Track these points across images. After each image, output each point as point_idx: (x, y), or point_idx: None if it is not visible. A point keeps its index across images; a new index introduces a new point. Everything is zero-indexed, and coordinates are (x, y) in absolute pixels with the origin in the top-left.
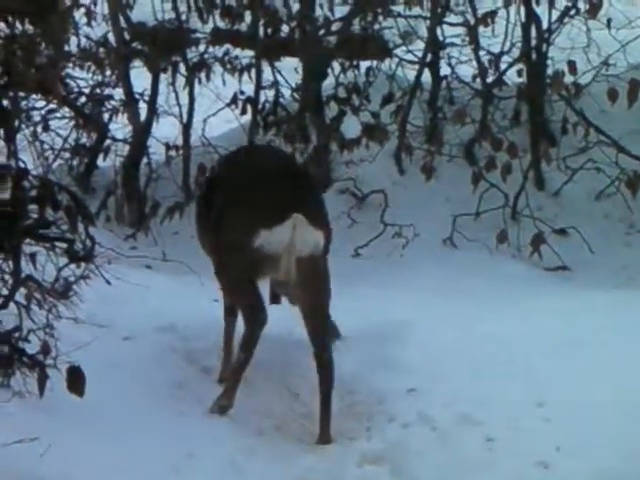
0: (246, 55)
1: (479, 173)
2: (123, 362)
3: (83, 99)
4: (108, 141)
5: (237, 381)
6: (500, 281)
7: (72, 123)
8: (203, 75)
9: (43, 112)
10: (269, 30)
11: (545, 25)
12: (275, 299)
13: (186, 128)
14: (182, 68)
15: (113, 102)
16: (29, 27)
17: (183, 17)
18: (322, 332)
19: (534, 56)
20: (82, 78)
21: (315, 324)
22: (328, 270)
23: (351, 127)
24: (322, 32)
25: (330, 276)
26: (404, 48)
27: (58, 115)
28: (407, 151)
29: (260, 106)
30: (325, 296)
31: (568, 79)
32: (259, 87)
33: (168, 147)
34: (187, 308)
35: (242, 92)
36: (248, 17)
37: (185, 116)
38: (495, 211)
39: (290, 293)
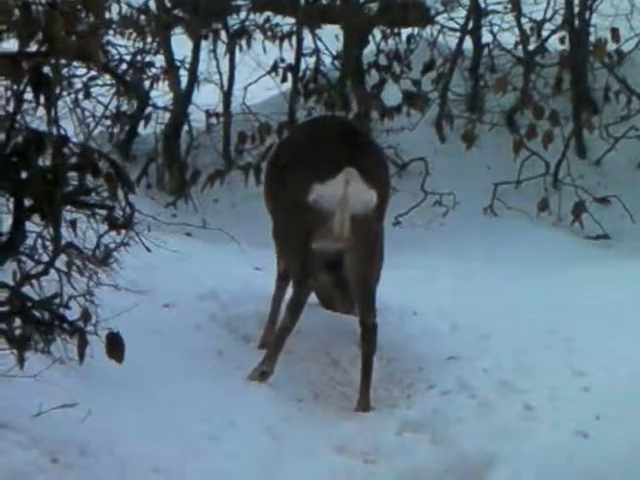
0: (287, 22)
1: (520, 141)
2: (163, 329)
3: (124, 66)
4: (149, 109)
5: (279, 347)
6: (541, 250)
7: (113, 90)
8: (244, 42)
9: (84, 79)
10: None
11: None
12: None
13: (227, 95)
14: (223, 35)
15: (154, 69)
16: None
17: None
18: (370, 298)
19: (577, 23)
20: (123, 45)
21: (364, 289)
22: (382, 235)
23: (392, 95)
24: None
25: (384, 243)
26: (445, 15)
27: (99, 82)
28: (448, 119)
29: (301, 74)
30: (376, 262)
31: (611, 46)
32: (300, 55)
33: (209, 115)
34: (227, 276)
35: (283, 60)
36: None
37: (226, 84)
38: (536, 179)
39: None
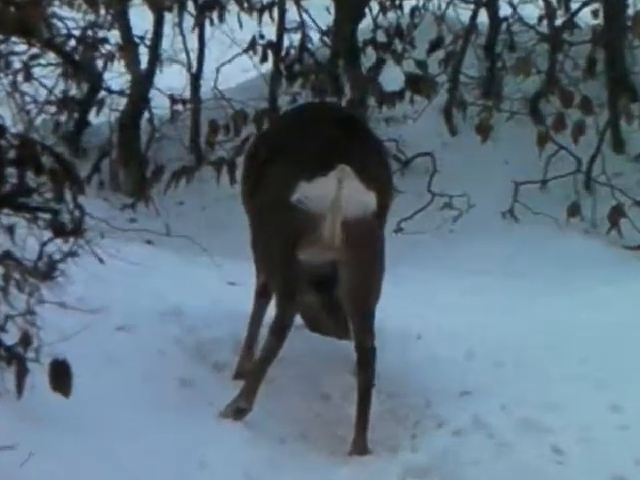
0: None
1: (546, 133)
2: (118, 356)
3: (72, 43)
4: (102, 93)
5: (259, 378)
6: (571, 262)
7: (59, 71)
8: (215, 15)
9: (24, 58)
10: None
11: None
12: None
13: (195, 78)
14: (190, 6)
15: (108, 47)
16: None
17: None
18: (368, 319)
19: None
20: (71, 18)
21: (361, 309)
22: (383, 244)
23: (392, 78)
24: None
25: (385, 254)
26: None
27: (42, 62)
28: (459, 107)
29: (283, 52)
30: (376, 277)
31: None
32: (282, 30)
33: (174, 100)
34: (196, 292)
35: (262, 36)
36: None
37: (194, 64)
38: (565, 178)
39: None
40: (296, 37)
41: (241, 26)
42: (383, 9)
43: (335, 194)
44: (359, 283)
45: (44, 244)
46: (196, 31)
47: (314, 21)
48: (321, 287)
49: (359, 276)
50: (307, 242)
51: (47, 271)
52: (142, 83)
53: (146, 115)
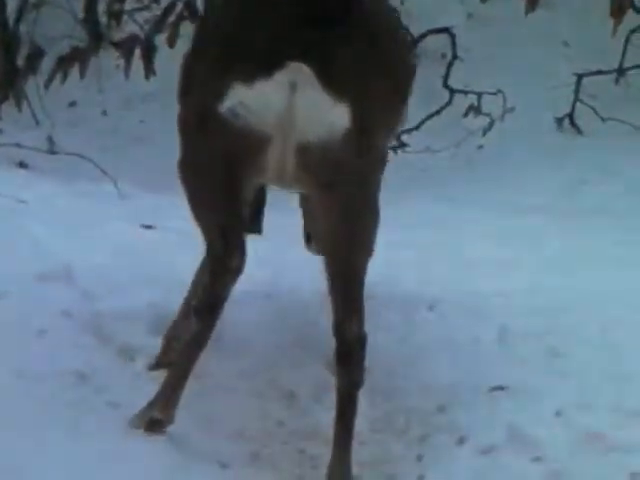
0: None
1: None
2: None
3: None
4: None
5: (184, 372)
6: None
7: None
8: None
9: None
10: None
11: None
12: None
13: None
14: None
15: None
16: None
17: None
18: (351, 293)
19: None
20: None
21: (339, 276)
22: (371, 181)
23: None
24: None
25: (377, 195)
26: None
27: None
28: None
29: None
30: (360, 227)
31: None
32: None
33: None
34: (93, 241)
35: None
36: None
37: None
38: None
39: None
40: None
41: None
42: None
43: (284, 106)
44: (334, 238)
45: None
46: None
47: None
48: None
49: (333, 228)
50: (247, 175)
51: None
52: None
53: None
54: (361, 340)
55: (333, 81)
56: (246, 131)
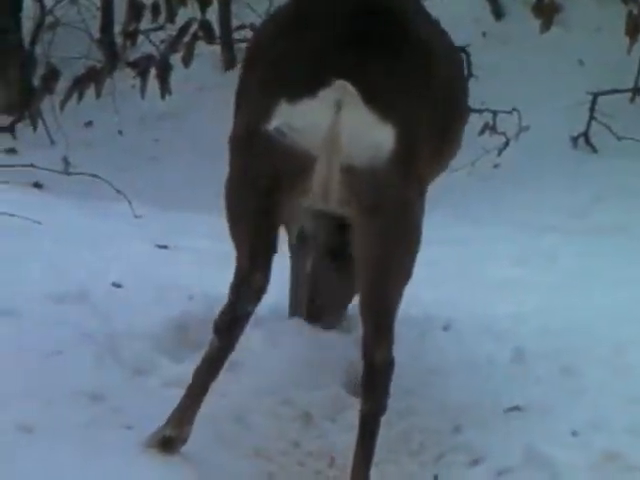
0: None
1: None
2: None
3: None
4: None
5: (199, 393)
6: None
7: None
8: None
9: None
10: None
11: None
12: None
13: None
14: None
15: None
16: None
17: None
18: (384, 319)
19: None
20: None
21: (374, 303)
22: (414, 209)
23: None
24: None
25: (420, 224)
26: None
27: None
28: None
29: None
30: (399, 256)
31: None
32: None
33: None
34: (107, 261)
35: None
36: None
37: None
38: None
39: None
40: None
41: None
42: None
43: (328, 125)
44: (374, 262)
45: None
46: None
47: None
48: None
49: (373, 253)
50: (289, 198)
51: None
52: None
53: None
54: (390, 365)
55: (378, 100)
56: (291, 150)
